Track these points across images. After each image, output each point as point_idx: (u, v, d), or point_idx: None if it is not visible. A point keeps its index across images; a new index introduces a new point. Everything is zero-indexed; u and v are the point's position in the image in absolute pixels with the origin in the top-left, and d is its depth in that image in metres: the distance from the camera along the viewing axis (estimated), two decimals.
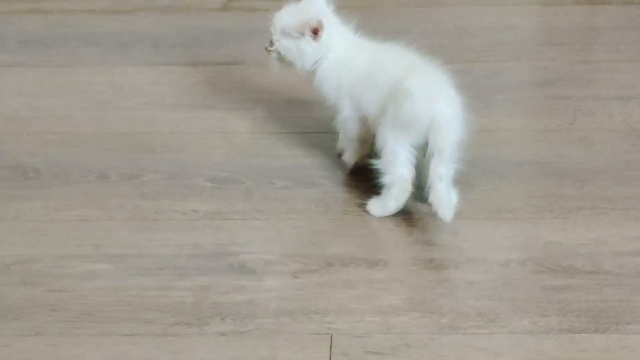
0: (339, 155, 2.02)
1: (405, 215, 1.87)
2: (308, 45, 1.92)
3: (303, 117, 2.17)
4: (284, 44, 1.94)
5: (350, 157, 1.99)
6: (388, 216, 1.87)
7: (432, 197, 1.79)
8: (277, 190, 1.96)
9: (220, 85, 2.32)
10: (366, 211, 1.88)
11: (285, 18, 1.94)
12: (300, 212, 1.90)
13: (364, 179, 1.95)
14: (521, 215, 1.87)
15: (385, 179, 1.86)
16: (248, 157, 2.07)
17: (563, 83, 2.28)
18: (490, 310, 1.66)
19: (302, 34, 1.92)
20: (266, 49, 1.97)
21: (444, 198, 1.79)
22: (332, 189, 1.96)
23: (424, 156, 1.84)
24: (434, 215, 1.80)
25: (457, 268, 1.75)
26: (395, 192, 1.86)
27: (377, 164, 1.87)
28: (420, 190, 1.86)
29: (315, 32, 1.91)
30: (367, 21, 2.17)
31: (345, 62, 1.92)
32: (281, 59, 1.96)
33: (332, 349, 1.61)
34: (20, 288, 1.74)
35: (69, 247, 1.83)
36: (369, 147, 1.97)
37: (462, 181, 1.92)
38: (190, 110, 2.22)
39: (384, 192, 1.87)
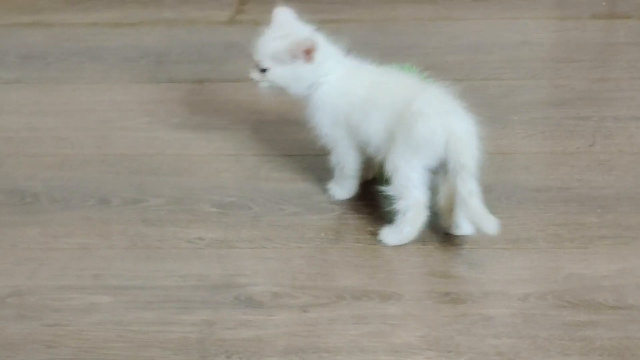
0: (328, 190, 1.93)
1: (419, 244, 1.79)
2: (303, 69, 1.83)
3: (313, 138, 2.08)
4: (277, 72, 1.84)
5: (341, 193, 1.91)
6: (402, 246, 1.79)
7: (470, 215, 1.73)
8: (286, 217, 1.88)
9: (227, 103, 2.25)
10: (379, 240, 1.80)
11: (272, 43, 1.84)
12: (310, 240, 1.82)
13: (376, 204, 1.88)
14: (540, 244, 1.79)
15: (399, 205, 1.79)
16: (256, 180, 1.99)
17: (582, 102, 2.20)
18: (509, 349, 1.58)
19: (295, 57, 1.83)
20: (253, 79, 1.86)
21: (483, 212, 1.72)
22: (343, 215, 1.88)
23: (439, 178, 1.78)
24: (453, 242, 1.75)
25: (475, 302, 1.67)
26: (410, 217, 1.79)
27: (389, 190, 1.79)
28: (434, 217, 1.79)
29: (309, 53, 1.82)
30: (379, 36, 2.10)
31: (342, 87, 1.83)
32: (274, 86, 1.86)
33: None
34: (16, 322, 1.66)
35: (68, 278, 1.75)
36: (374, 173, 1.91)
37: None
38: (196, 131, 2.15)
39: (398, 218, 1.79)
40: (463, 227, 1.79)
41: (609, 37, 2.48)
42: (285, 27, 1.86)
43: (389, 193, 1.79)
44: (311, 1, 2.62)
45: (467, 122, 1.77)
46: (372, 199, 1.90)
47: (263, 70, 1.85)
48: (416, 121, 1.74)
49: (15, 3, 2.70)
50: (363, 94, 1.82)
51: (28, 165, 2.05)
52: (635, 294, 1.68)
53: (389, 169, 1.79)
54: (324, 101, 1.84)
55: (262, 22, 2.54)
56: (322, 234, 1.83)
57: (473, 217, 1.74)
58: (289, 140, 2.10)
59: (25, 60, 2.44)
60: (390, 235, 1.81)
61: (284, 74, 1.84)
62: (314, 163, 2.01)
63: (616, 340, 1.59)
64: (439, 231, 1.81)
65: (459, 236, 1.80)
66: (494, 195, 1.90)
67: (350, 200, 1.91)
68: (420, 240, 1.80)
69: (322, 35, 1.86)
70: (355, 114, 1.82)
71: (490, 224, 1.72)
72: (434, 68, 2.28)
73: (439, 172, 1.79)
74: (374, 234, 1.82)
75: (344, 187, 1.91)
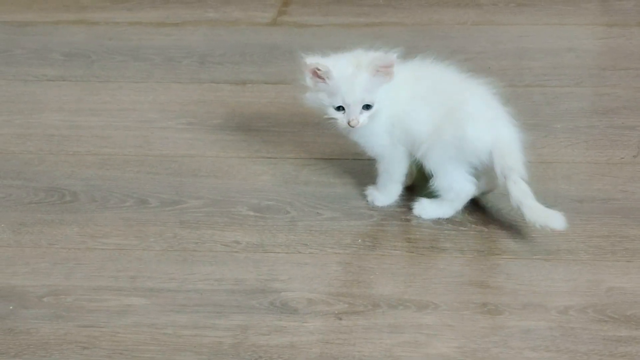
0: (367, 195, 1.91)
1: (457, 253, 1.77)
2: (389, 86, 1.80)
3: (354, 143, 2.06)
4: (380, 98, 1.78)
5: (383, 200, 1.89)
6: (439, 254, 1.77)
7: (532, 216, 1.73)
8: (323, 222, 1.87)
9: (268, 105, 2.24)
10: (414, 215, 1.84)
11: (362, 76, 1.77)
12: (347, 246, 1.81)
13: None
14: (581, 256, 1.76)
15: (446, 196, 1.81)
16: (294, 184, 1.98)
17: (627, 111, 2.16)
18: None
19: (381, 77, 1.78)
20: (360, 123, 1.78)
21: (544, 209, 1.73)
22: (381, 221, 1.87)
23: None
24: (491, 252, 1.74)
25: (512, 314, 1.65)
26: (456, 203, 1.82)
27: (435, 186, 1.81)
28: (471, 226, 1.78)
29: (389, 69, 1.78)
30: (422, 39, 2.08)
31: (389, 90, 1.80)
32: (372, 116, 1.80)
33: None
34: (52, 322, 1.66)
35: (104, 279, 1.75)
36: (412, 179, 1.92)
37: (518, 217, 1.82)
38: (236, 133, 2.14)
39: (440, 197, 1.82)
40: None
41: None
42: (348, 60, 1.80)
43: (435, 189, 1.80)
44: (354, 4, 2.62)
45: (512, 129, 1.78)
46: (410, 207, 1.87)
47: (368, 107, 1.78)
48: (467, 124, 1.75)
49: (60, 1, 2.71)
50: (409, 90, 1.80)
51: (68, 163, 2.06)
52: None
53: (432, 165, 1.79)
54: (379, 112, 1.80)
55: (304, 24, 2.55)
56: (359, 240, 1.82)
57: (535, 216, 1.73)
58: (329, 143, 2.08)
59: (69, 58, 2.45)
60: (427, 208, 1.82)
61: (385, 98, 1.78)
62: (354, 167, 2.00)
63: None
64: (477, 240, 1.79)
65: (498, 246, 1.78)
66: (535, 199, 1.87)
67: (388, 206, 1.89)
68: (459, 249, 1.78)
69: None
70: (403, 112, 1.80)
71: (557, 219, 1.72)
72: (477, 73, 2.26)
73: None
74: (412, 241, 1.81)
75: (387, 193, 1.89)
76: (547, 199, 1.88)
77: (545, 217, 1.73)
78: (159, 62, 2.42)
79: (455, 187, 1.81)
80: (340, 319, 1.65)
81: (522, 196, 1.74)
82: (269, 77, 2.34)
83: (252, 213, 1.90)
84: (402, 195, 1.90)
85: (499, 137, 1.76)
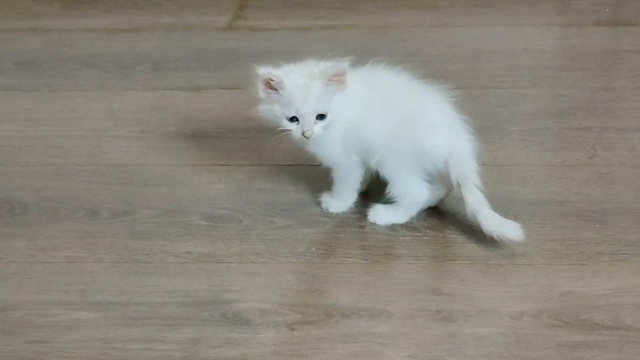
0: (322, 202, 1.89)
1: (411, 259, 1.75)
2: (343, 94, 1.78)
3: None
4: (334, 107, 1.76)
5: (338, 207, 1.87)
6: (394, 261, 1.76)
7: (488, 225, 1.73)
8: (277, 230, 1.85)
9: (222, 111, 2.21)
10: (368, 221, 1.83)
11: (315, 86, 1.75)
12: (301, 255, 1.79)
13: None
14: (536, 260, 1.75)
15: (402, 202, 1.80)
16: (248, 192, 1.95)
17: (582, 113, 2.15)
18: None
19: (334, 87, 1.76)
20: (313, 134, 1.76)
21: (501, 219, 1.74)
22: (336, 229, 1.85)
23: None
24: (446, 258, 1.72)
25: (466, 321, 1.63)
26: (411, 208, 1.81)
27: (391, 193, 1.80)
28: (426, 231, 1.76)
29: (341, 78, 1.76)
30: (378, 42, 2.06)
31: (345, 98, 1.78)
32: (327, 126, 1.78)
33: None
34: None
35: (53, 293, 1.72)
36: (366, 185, 1.89)
37: (473, 222, 1.81)
38: (190, 140, 2.11)
39: (396, 203, 1.81)
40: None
41: (613, 44, 2.43)
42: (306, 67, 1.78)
43: (390, 195, 1.79)
44: (310, 7, 2.60)
45: (467, 137, 1.78)
46: (364, 213, 1.85)
47: (322, 117, 1.76)
48: (426, 134, 1.75)
49: (13, 8, 2.68)
50: (362, 98, 1.78)
51: (19, 174, 2.03)
52: (632, 314, 1.63)
53: (388, 172, 1.77)
54: (333, 121, 1.78)
55: (259, 28, 2.53)
56: (313, 249, 1.80)
57: (492, 226, 1.73)
58: (284, 149, 2.05)
59: (22, 67, 2.42)
60: (381, 215, 1.82)
61: (338, 107, 1.76)
62: (308, 173, 1.98)
63: None
64: (432, 246, 1.78)
65: (453, 251, 1.76)
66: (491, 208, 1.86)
67: (342, 213, 1.87)
68: (413, 255, 1.76)
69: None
70: (357, 121, 1.78)
71: (513, 230, 1.72)
72: (434, 76, 2.24)
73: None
74: (366, 248, 1.79)
75: (341, 201, 1.87)
76: (503, 202, 1.87)
77: (502, 228, 1.73)
78: (112, 69, 2.39)
79: (411, 193, 1.80)
80: (293, 329, 1.63)
81: (478, 205, 1.74)
82: (224, 82, 2.31)
83: (204, 222, 1.87)
84: (356, 202, 1.88)
85: (455, 146, 1.76)
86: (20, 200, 1.95)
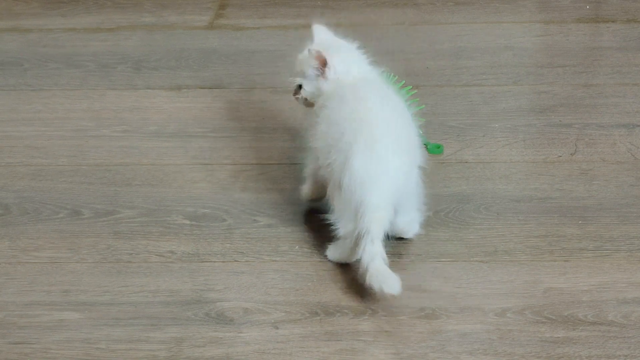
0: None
1: (395, 258, 1.75)
2: (324, 84, 1.79)
3: (293, 147, 2.04)
4: (307, 88, 1.81)
5: (305, 192, 1.85)
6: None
7: (370, 278, 1.62)
8: (260, 229, 1.84)
9: (204, 111, 2.21)
10: (325, 256, 1.75)
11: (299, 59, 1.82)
12: (284, 253, 1.79)
13: None
14: (519, 257, 1.76)
15: (339, 232, 1.71)
16: (231, 191, 1.95)
17: (564, 109, 2.16)
18: None
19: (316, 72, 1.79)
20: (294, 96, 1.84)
21: (384, 272, 1.62)
22: (319, 227, 1.84)
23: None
24: (429, 255, 1.72)
25: (450, 318, 1.63)
26: (349, 244, 1.70)
27: (330, 216, 1.73)
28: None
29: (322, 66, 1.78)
30: (360, 41, 2.05)
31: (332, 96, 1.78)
32: (308, 103, 1.82)
33: None
34: None
35: (36, 294, 1.71)
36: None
37: (456, 219, 1.82)
38: (172, 139, 2.11)
39: (340, 241, 1.73)
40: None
41: (594, 41, 2.44)
42: (320, 43, 1.81)
43: (330, 219, 1.73)
44: (291, 5, 2.60)
45: (391, 179, 1.67)
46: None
47: (299, 87, 1.82)
48: (345, 173, 1.67)
49: None
50: (322, 102, 1.78)
51: (0, 175, 2.02)
52: (615, 309, 1.64)
53: (328, 195, 1.74)
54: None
55: (241, 27, 2.53)
56: (297, 247, 1.80)
57: (373, 279, 1.62)
58: (268, 148, 2.07)
59: (2, 67, 2.41)
60: (330, 250, 1.75)
61: (311, 91, 1.81)
62: (292, 172, 1.98)
63: (595, 358, 1.56)
64: (415, 244, 1.78)
65: (436, 249, 1.77)
66: (473, 206, 1.87)
67: (328, 212, 1.86)
68: (397, 253, 1.76)
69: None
70: (314, 114, 1.79)
71: (393, 284, 1.61)
72: (415, 74, 2.26)
73: None
74: None
75: (307, 186, 1.85)
76: (485, 199, 1.88)
77: (381, 280, 1.61)
78: (94, 69, 2.38)
79: (344, 224, 1.70)
80: (277, 328, 1.63)
81: (367, 259, 1.63)
82: (205, 81, 2.31)
83: (187, 222, 1.87)
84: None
85: (365, 201, 1.65)
86: (2, 201, 1.94)
